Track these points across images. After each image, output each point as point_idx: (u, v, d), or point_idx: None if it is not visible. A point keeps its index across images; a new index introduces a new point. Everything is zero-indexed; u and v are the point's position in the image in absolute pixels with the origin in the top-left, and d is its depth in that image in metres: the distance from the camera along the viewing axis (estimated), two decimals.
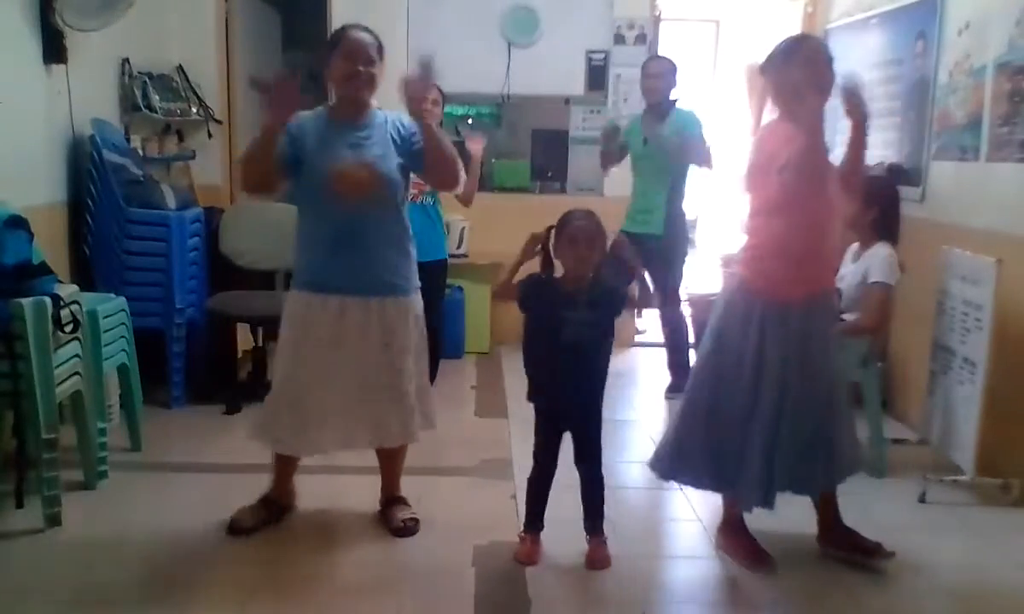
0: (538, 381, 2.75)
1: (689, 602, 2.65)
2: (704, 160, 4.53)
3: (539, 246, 2.70)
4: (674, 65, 4.58)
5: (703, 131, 4.54)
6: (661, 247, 4.49)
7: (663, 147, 4.46)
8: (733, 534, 2.85)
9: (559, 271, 2.71)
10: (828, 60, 2.65)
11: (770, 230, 2.69)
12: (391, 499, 3.02)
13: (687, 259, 4.74)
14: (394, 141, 2.76)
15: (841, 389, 2.78)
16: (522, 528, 2.83)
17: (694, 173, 4.62)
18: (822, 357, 2.68)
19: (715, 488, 2.84)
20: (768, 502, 2.66)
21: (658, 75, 4.52)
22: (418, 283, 2.88)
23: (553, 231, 2.70)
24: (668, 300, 4.59)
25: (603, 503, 2.80)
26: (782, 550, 2.84)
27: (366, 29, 2.77)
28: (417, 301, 2.86)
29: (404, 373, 2.78)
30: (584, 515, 2.80)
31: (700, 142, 4.49)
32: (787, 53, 2.68)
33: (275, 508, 2.96)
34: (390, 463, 3.01)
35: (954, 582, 2.77)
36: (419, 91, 2.66)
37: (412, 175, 2.85)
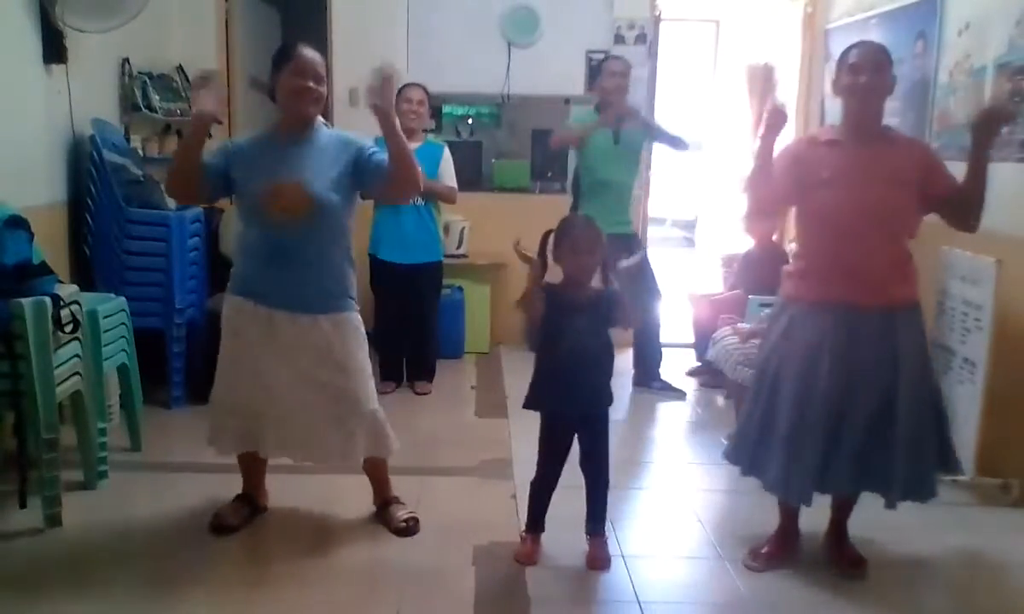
0: (544, 388, 2.72)
1: (689, 602, 2.66)
2: (681, 142, 4.63)
3: (540, 255, 2.67)
4: (630, 65, 4.62)
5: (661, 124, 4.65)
6: (635, 247, 4.41)
7: (651, 133, 4.55)
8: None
9: (554, 276, 2.69)
10: (873, 65, 2.60)
11: (819, 242, 2.68)
12: (386, 501, 3.02)
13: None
14: (340, 159, 2.72)
15: (937, 398, 2.72)
16: (523, 529, 2.83)
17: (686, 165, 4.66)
18: (910, 369, 2.60)
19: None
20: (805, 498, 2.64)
21: (623, 73, 4.52)
22: (353, 298, 2.82)
23: (552, 237, 2.69)
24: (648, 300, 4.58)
25: (606, 506, 2.80)
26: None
27: (310, 47, 2.73)
28: (354, 318, 2.80)
29: (341, 392, 2.75)
30: (587, 516, 2.80)
31: (666, 129, 4.60)
32: (840, 57, 2.68)
33: (254, 506, 3.00)
34: (371, 470, 3.00)
35: (954, 582, 2.77)
36: (379, 99, 2.60)
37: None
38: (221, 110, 2.70)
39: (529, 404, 2.75)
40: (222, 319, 2.80)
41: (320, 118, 2.79)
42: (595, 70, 5.55)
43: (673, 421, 4.41)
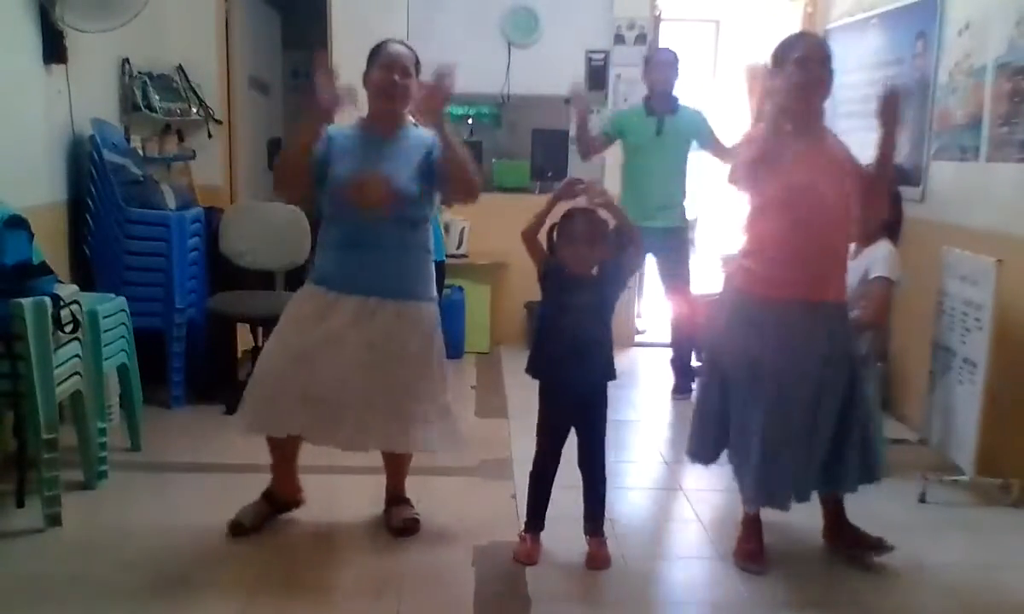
0: (541, 363, 2.75)
1: (689, 602, 2.66)
2: (727, 153, 4.53)
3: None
4: (678, 57, 4.58)
5: (711, 127, 4.57)
6: (683, 240, 4.55)
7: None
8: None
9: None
10: (822, 59, 2.63)
11: (765, 230, 2.69)
12: (394, 499, 3.02)
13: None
14: (419, 155, 2.77)
15: (869, 391, 2.78)
16: (522, 528, 2.83)
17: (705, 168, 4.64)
18: (838, 363, 2.66)
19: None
20: (783, 503, 2.69)
21: (669, 64, 4.51)
22: (434, 295, 2.87)
23: (556, 229, 2.72)
24: (684, 294, 4.61)
25: (604, 504, 2.80)
26: (783, 550, 2.85)
27: (405, 44, 2.80)
28: (428, 310, 2.83)
29: (397, 381, 2.73)
30: (585, 516, 2.80)
31: (719, 140, 4.54)
32: (781, 50, 2.68)
33: (278, 502, 2.96)
34: (394, 464, 3.00)
35: (954, 582, 2.77)
36: (432, 98, 2.65)
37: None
38: (341, 103, 2.68)
39: (529, 370, 2.77)
40: (287, 304, 2.81)
41: (410, 117, 2.85)
42: (595, 70, 5.57)
43: (673, 421, 4.41)
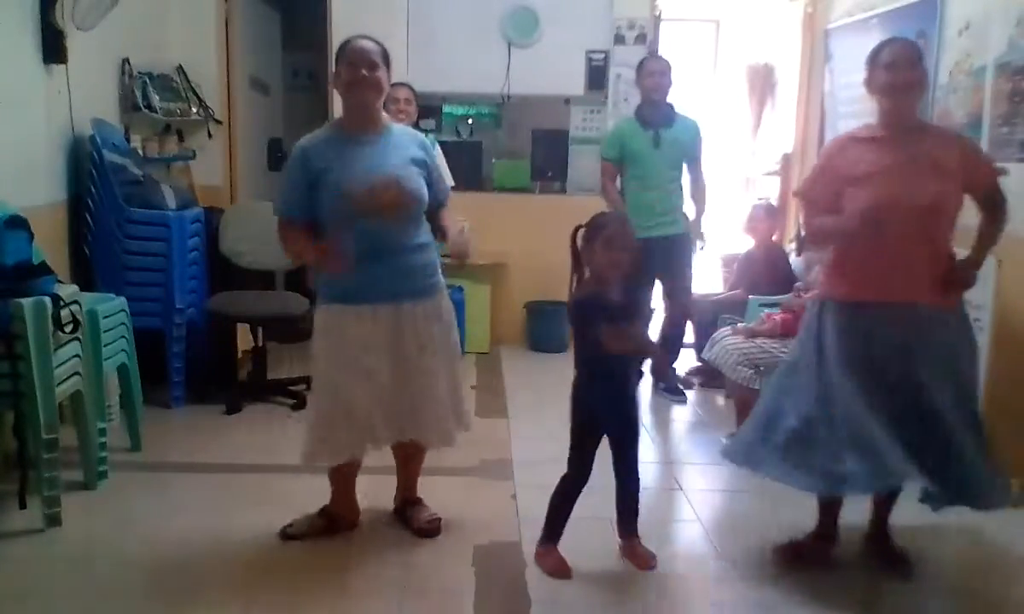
0: (592, 394, 2.68)
1: (689, 602, 2.66)
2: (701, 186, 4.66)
3: (571, 250, 2.67)
4: (670, 65, 4.58)
5: (702, 145, 4.61)
6: (685, 245, 4.54)
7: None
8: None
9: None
10: (911, 61, 2.59)
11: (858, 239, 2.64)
12: (409, 500, 3.02)
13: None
14: (416, 152, 2.76)
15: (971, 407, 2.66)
16: (542, 542, 2.77)
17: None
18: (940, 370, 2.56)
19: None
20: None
21: (662, 72, 4.50)
22: (442, 283, 2.87)
23: (583, 232, 2.65)
24: (685, 300, 4.62)
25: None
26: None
27: (370, 38, 2.76)
28: (444, 301, 2.85)
29: (437, 375, 2.77)
30: (626, 518, 2.79)
31: (700, 166, 4.60)
32: (872, 55, 2.66)
33: (333, 521, 2.93)
34: (410, 465, 3.01)
35: (954, 582, 2.77)
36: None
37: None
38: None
39: (576, 412, 2.71)
40: (316, 331, 2.74)
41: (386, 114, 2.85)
42: (595, 70, 5.58)
43: (673, 421, 4.41)
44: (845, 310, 2.64)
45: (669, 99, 4.56)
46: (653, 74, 4.50)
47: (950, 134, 2.73)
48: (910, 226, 2.54)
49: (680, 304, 4.61)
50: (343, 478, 2.90)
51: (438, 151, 4.52)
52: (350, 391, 2.67)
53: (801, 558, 2.80)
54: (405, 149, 2.75)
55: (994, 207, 2.66)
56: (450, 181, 4.53)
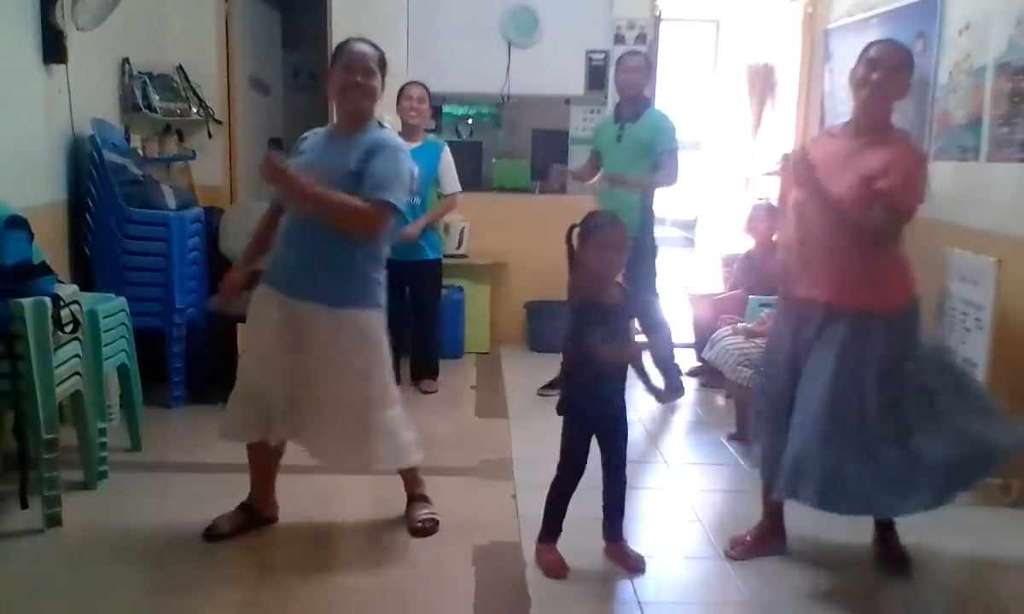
0: (582, 396, 2.69)
1: (689, 602, 2.66)
2: (670, 179, 4.38)
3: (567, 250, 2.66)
4: (650, 62, 4.54)
5: (675, 138, 4.37)
6: (642, 249, 4.27)
7: (633, 187, 4.28)
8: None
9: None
10: (893, 65, 2.57)
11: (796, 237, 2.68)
12: (411, 497, 3.02)
13: (656, 258, 4.51)
14: (364, 159, 2.66)
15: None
16: (540, 540, 2.77)
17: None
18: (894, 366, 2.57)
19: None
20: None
21: (636, 69, 4.42)
22: (379, 302, 2.74)
23: (577, 231, 2.65)
24: (645, 304, 4.41)
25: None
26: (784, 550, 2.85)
27: (369, 42, 2.75)
28: (363, 322, 2.69)
29: (339, 397, 2.68)
30: (613, 520, 2.78)
31: (670, 159, 4.33)
32: (863, 49, 2.67)
33: (253, 515, 2.92)
34: (400, 469, 2.99)
35: (954, 582, 2.77)
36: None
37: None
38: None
39: (562, 410, 2.72)
40: (247, 310, 2.81)
41: (379, 119, 2.83)
42: (595, 70, 5.57)
43: (673, 421, 4.41)
44: (781, 308, 2.72)
45: (647, 95, 4.48)
46: (627, 70, 4.44)
47: (905, 146, 2.60)
48: (824, 223, 2.54)
49: (648, 316, 4.43)
50: (259, 467, 2.91)
51: (447, 156, 4.53)
52: (253, 372, 2.76)
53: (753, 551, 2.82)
54: (355, 152, 2.65)
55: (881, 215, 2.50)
56: (456, 188, 4.57)
